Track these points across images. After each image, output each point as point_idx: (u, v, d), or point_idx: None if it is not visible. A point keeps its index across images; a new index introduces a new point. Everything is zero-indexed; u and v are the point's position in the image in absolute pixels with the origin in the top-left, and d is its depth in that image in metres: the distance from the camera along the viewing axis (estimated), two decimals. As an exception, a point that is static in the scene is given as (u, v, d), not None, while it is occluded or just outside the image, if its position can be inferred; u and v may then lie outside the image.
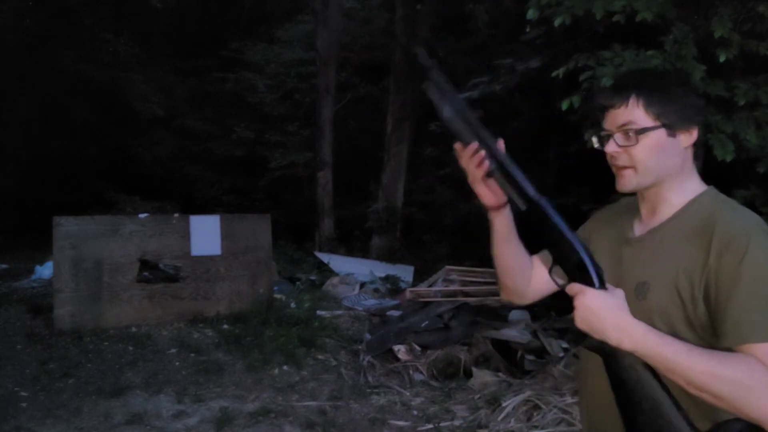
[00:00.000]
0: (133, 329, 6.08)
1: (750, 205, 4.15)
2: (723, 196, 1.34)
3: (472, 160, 1.32)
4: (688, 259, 1.24)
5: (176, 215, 6.89)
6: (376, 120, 12.84)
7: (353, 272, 9.35)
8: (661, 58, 3.90)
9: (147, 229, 6.46)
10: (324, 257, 10.17)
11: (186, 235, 6.61)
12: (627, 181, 1.32)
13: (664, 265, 1.28)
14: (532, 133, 10.18)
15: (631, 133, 1.29)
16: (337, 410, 4.69)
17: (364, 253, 11.36)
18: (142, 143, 14.26)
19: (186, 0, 17.28)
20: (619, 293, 1.20)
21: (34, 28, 13.53)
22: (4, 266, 8.60)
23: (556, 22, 4.12)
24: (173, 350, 5.73)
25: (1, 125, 12.44)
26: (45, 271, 7.74)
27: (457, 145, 1.33)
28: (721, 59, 4.04)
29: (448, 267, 8.48)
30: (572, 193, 7.39)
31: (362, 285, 8.78)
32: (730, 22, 4.08)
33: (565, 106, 4.46)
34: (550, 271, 1.32)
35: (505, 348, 5.60)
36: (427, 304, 6.96)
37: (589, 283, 1.20)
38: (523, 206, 1.30)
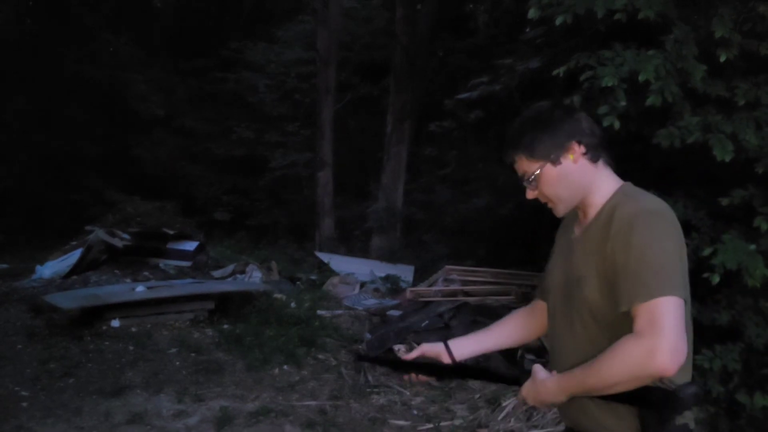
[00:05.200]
0: (134, 329, 6.08)
1: (748, 205, 4.15)
2: (632, 189, 1.54)
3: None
4: (602, 252, 1.45)
5: None
6: (376, 120, 12.84)
7: (353, 272, 9.35)
8: (662, 58, 3.91)
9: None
10: (324, 257, 10.16)
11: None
12: (556, 211, 1.59)
13: (592, 260, 1.48)
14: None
15: (531, 181, 1.55)
16: (337, 410, 4.70)
17: (364, 252, 11.36)
18: (142, 143, 14.24)
19: (186, 0, 17.28)
20: (536, 370, 1.52)
21: (34, 28, 13.53)
22: (4, 266, 8.58)
23: (557, 21, 4.10)
24: (173, 350, 5.73)
25: (0, 125, 12.43)
26: (45, 270, 7.72)
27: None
28: (722, 59, 4.03)
29: (448, 267, 8.48)
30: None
31: (362, 285, 8.78)
32: (731, 22, 4.07)
33: (565, 105, 4.44)
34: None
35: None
36: (427, 303, 6.96)
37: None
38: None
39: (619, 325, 1.40)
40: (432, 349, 1.79)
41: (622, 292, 1.38)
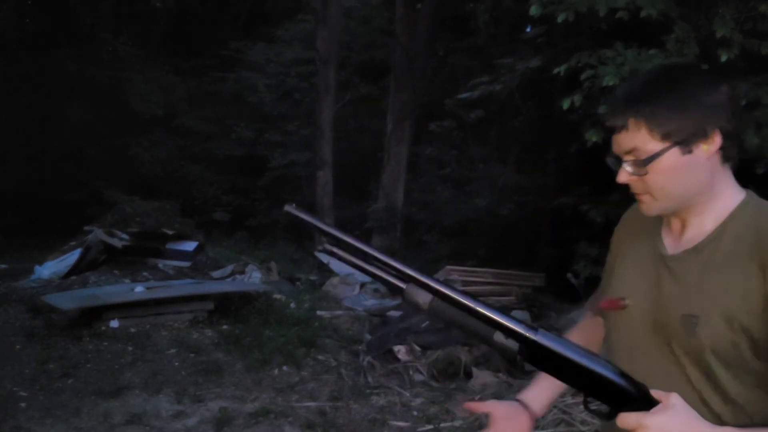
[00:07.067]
0: (133, 329, 6.06)
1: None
2: (763, 201, 1.18)
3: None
4: (744, 289, 1.08)
5: None
6: (376, 120, 12.83)
7: (353, 272, 9.33)
8: (663, 57, 3.90)
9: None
10: (324, 257, 10.12)
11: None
12: (648, 207, 1.17)
13: (715, 296, 1.11)
14: (532, 133, 10.17)
15: (641, 163, 1.11)
16: (336, 411, 4.68)
17: (364, 253, 11.33)
18: (141, 143, 14.22)
19: (186, 0, 17.27)
20: (678, 403, 0.99)
21: (33, 28, 13.51)
22: (3, 266, 8.56)
23: (559, 19, 4.11)
24: (172, 350, 5.71)
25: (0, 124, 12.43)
26: (44, 271, 7.71)
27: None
28: (723, 59, 4.03)
29: (448, 267, 8.46)
30: (572, 194, 7.38)
31: (362, 285, 8.76)
32: (732, 22, 4.07)
33: (565, 105, 4.45)
34: (585, 406, 1.12)
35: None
36: (427, 304, 6.93)
37: (636, 405, 1.00)
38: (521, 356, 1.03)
39: None
40: (504, 410, 1.37)
41: None
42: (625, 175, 1.14)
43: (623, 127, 1.12)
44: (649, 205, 1.17)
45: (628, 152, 1.13)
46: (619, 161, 1.15)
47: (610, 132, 1.15)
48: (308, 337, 6.11)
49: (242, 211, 14.35)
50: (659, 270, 1.20)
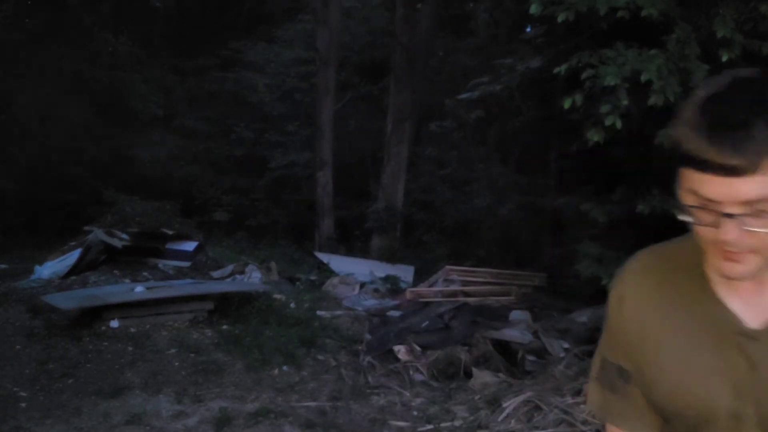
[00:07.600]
0: (133, 329, 6.05)
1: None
2: None
3: None
4: None
5: None
6: (376, 120, 12.82)
7: (353, 272, 9.33)
8: (664, 58, 3.91)
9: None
10: (324, 257, 10.15)
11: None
12: (746, 269, 0.88)
13: None
14: (533, 133, 10.16)
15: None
16: (336, 411, 4.68)
17: (364, 253, 11.34)
18: (141, 143, 14.22)
19: (186, 0, 17.27)
20: None
21: (33, 28, 13.50)
22: (3, 266, 8.55)
23: (559, 19, 4.11)
24: (172, 350, 5.70)
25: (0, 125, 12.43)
26: (44, 271, 7.70)
27: None
28: (724, 59, 4.04)
29: (448, 267, 8.48)
30: (573, 193, 7.38)
31: (362, 285, 8.76)
32: (733, 22, 4.07)
33: (567, 104, 4.45)
34: None
35: (505, 348, 5.59)
36: (427, 304, 6.95)
37: None
38: None
39: None
40: None
41: None
42: (736, 230, 0.83)
43: (747, 170, 0.80)
44: (748, 267, 0.88)
45: (750, 202, 0.82)
46: (720, 213, 0.84)
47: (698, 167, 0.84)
48: (308, 337, 6.11)
49: (242, 211, 14.34)
50: (744, 350, 0.93)
